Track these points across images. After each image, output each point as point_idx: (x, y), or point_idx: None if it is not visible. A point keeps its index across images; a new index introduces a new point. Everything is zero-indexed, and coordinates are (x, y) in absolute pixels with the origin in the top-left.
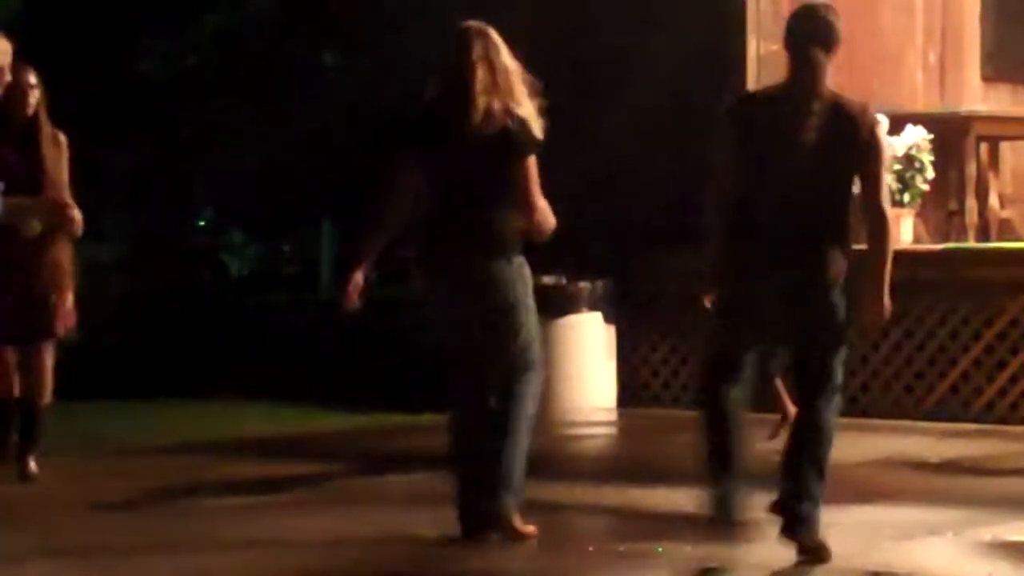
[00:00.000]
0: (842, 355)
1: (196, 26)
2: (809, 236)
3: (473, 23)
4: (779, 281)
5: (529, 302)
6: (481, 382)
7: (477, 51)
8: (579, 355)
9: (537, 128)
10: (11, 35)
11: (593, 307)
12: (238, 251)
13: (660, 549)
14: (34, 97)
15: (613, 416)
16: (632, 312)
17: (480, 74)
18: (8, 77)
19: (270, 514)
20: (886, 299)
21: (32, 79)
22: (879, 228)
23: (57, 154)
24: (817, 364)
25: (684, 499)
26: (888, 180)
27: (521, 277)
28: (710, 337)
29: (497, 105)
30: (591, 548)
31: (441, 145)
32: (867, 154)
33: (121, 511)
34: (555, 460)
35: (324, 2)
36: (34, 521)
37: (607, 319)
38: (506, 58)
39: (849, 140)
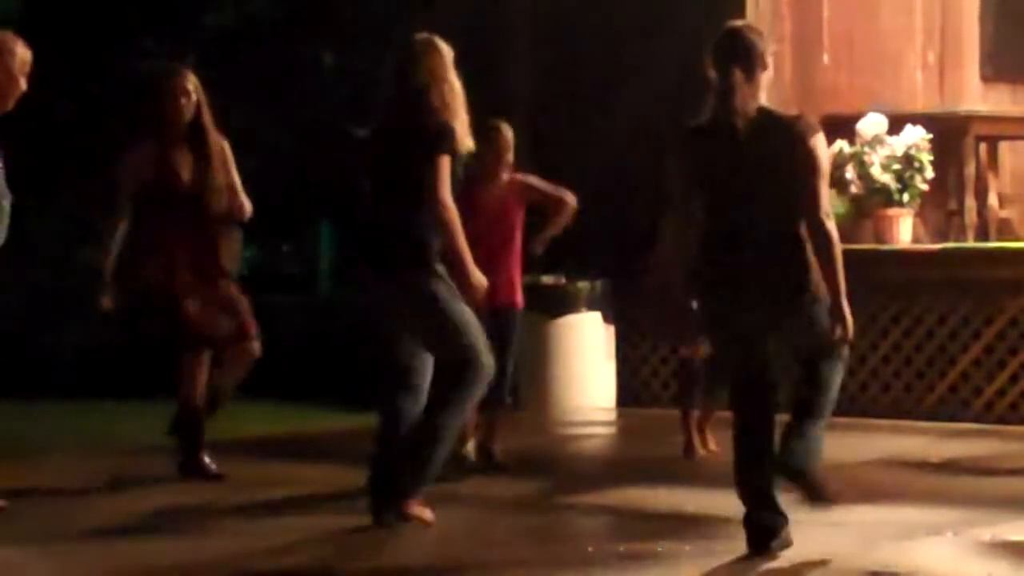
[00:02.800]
0: (837, 364)
1: (196, 26)
2: (767, 255)
3: (427, 36)
4: (751, 309)
5: (460, 303)
6: (412, 382)
7: (433, 65)
8: (579, 355)
9: (466, 141)
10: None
11: (593, 307)
12: None
13: (660, 549)
14: (190, 102)
15: (613, 416)
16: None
17: (434, 89)
18: (24, 87)
19: (270, 513)
20: (846, 312)
21: (187, 85)
22: (821, 243)
23: (223, 158)
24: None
25: (684, 499)
26: (889, 181)
27: (446, 285)
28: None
29: (442, 118)
30: (591, 548)
31: (386, 152)
32: (798, 166)
33: (121, 510)
34: (555, 460)
35: (324, 2)
36: (34, 520)
37: (607, 319)
38: (452, 73)
39: (780, 153)
